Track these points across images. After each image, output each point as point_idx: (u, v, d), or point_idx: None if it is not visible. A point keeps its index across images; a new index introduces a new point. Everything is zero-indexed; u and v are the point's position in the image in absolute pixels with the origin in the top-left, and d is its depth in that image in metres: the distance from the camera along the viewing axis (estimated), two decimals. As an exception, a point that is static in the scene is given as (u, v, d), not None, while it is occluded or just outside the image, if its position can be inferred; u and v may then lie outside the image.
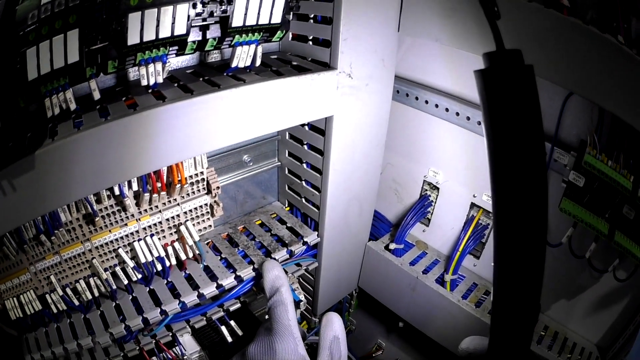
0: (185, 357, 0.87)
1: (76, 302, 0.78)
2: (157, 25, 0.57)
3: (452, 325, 0.98)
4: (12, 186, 0.52)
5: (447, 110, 0.96)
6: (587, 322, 0.92)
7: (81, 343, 0.76)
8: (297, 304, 1.01)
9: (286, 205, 1.08)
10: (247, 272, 0.87)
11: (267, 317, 0.77)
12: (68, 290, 0.78)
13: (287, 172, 1.03)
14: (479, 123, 0.91)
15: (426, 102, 0.99)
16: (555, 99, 0.80)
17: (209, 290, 0.84)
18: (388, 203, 1.18)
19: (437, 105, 0.97)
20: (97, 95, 0.59)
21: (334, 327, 0.74)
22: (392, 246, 1.07)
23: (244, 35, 0.68)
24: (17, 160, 0.51)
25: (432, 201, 1.08)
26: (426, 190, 1.08)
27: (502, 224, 0.45)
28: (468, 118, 0.92)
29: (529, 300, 0.48)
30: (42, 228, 0.70)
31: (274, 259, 0.90)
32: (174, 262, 0.85)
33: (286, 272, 0.94)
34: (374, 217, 1.11)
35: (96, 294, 0.79)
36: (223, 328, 0.90)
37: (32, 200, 0.55)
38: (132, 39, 0.56)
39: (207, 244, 0.95)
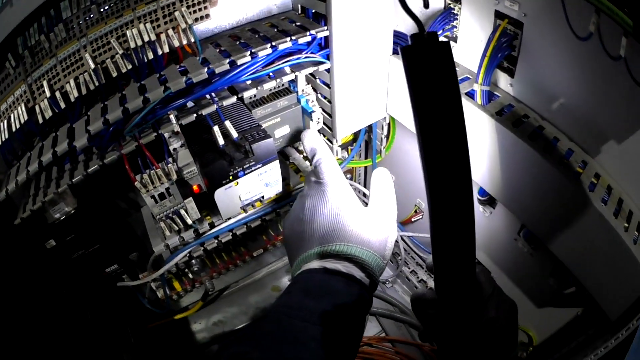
0: (169, 165, 0.87)
1: (62, 105, 0.79)
2: None
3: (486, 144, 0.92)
4: None
5: None
6: None
7: (57, 150, 0.78)
8: (309, 115, 1.00)
9: (300, 12, 1.06)
10: (242, 56, 0.86)
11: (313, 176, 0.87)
12: (57, 94, 0.79)
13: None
14: None
15: None
16: None
17: (198, 74, 0.83)
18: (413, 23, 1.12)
19: None
20: None
21: (381, 175, 0.86)
22: (415, 56, 1.02)
23: None
24: None
25: (456, 14, 1.01)
26: (449, 3, 1.02)
27: (432, 181, 0.60)
28: None
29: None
30: (45, 29, 0.75)
31: (275, 48, 0.89)
32: (166, 50, 0.84)
33: (294, 72, 0.95)
34: (399, 37, 1.06)
35: (84, 91, 0.79)
36: (215, 128, 0.87)
37: None
38: None
39: (211, 43, 0.94)
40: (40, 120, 0.80)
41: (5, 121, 0.81)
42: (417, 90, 0.57)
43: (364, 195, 1.35)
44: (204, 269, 1.24)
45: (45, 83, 0.78)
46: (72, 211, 0.89)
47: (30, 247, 0.92)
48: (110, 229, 1.00)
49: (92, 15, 0.78)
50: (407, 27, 1.12)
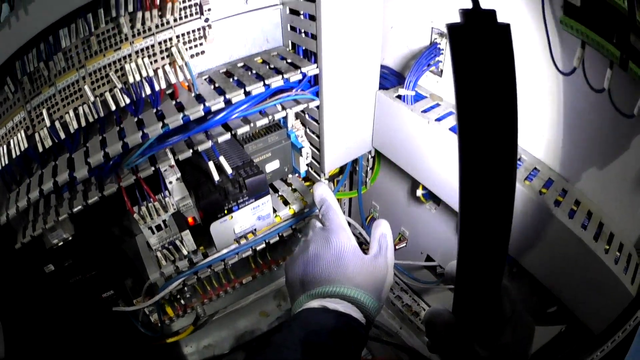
0: (166, 199, 0.92)
1: (62, 135, 0.84)
2: None
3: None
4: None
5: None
6: (623, 208, 0.85)
7: (58, 180, 0.83)
8: (299, 151, 1.06)
9: (290, 48, 1.12)
10: (236, 94, 0.92)
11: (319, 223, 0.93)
12: (57, 123, 0.83)
13: (288, 11, 1.06)
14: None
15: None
16: None
17: (195, 111, 0.88)
18: (401, 58, 1.18)
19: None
20: None
21: (382, 227, 0.89)
22: (402, 92, 1.08)
23: None
24: None
25: (441, 49, 1.08)
26: (435, 38, 1.08)
27: (467, 195, 0.53)
28: None
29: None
30: (44, 56, 0.77)
31: (268, 86, 0.95)
32: (163, 85, 0.89)
33: (284, 108, 1.01)
34: (386, 72, 1.13)
35: (83, 123, 0.84)
36: (211, 164, 0.94)
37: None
38: None
39: (205, 79, 1.00)
40: (40, 149, 0.83)
41: (5, 146, 0.84)
42: (465, 84, 0.47)
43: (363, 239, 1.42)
44: (196, 295, 1.29)
45: (44, 112, 0.82)
46: (70, 238, 0.94)
47: (29, 270, 0.97)
48: (107, 256, 1.05)
49: (90, 46, 0.81)
50: (395, 61, 1.19)
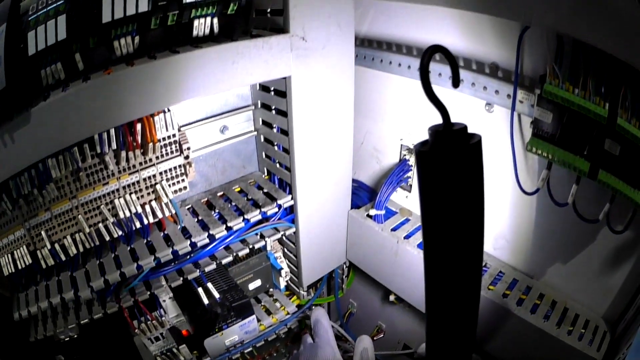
0: (163, 317, 0.99)
1: (63, 257, 0.90)
2: (124, 5, 0.72)
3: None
4: (12, 139, 0.70)
5: (409, 67, 1.04)
6: (589, 289, 0.92)
7: (64, 296, 0.89)
8: (278, 272, 1.14)
9: (265, 174, 1.20)
10: (219, 231, 0.99)
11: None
12: (56, 246, 0.89)
13: (262, 139, 1.14)
14: (450, 78, 0.97)
15: (399, 64, 1.07)
16: (512, 37, 0.82)
17: (183, 246, 0.96)
18: (372, 172, 1.28)
19: (409, 67, 1.05)
20: (81, 66, 0.75)
21: (364, 341, 1.03)
22: (372, 212, 1.16)
23: (199, 9, 0.81)
24: (18, 115, 0.70)
25: (410, 166, 1.16)
26: (405, 154, 1.17)
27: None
28: (440, 74, 0.97)
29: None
30: (36, 183, 0.82)
31: (247, 220, 1.03)
32: (152, 219, 0.97)
33: (263, 237, 1.08)
34: (357, 187, 1.21)
35: (81, 249, 0.91)
36: (200, 290, 1.02)
37: (29, 148, 0.73)
38: (106, 18, 0.72)
39: (188, 209, 1.07)
40: (44, 266, 0.89)
41: (9, 255, 0.88)
42: (431, 205, 0.49)
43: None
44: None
45: (43, 233, 0.88)
46: (75, 336, 0.99)
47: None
48: (111, 353, 1.11)
49: (80, 179, 0.88)
50: (365, 174, 1.27)
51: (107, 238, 0.93)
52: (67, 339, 0.98)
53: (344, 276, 1.37)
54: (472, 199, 0.47)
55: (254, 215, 1.04)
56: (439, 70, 0.97)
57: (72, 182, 0.88)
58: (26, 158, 0.74)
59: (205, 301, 1.02)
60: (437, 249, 0.51)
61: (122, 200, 0.93)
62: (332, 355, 1.01)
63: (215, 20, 0.86)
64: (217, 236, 1.00)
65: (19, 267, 0.88)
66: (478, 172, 0.46)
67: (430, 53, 0.41)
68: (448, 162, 0.44)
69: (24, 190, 0.82)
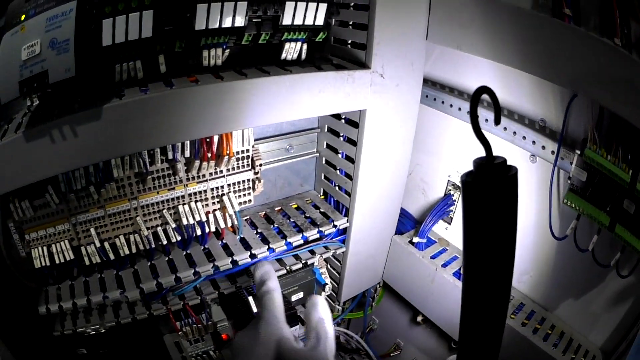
0: (209, 322, 1.02)
1: (112, 256, 0.91)
2: (221, 17, 0.76)
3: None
4: (74, 132, 0.66)
5: (459, 109, 1.14)
6: (592, 323, 1.03)
7: (108, 295, 0.89)
8: (322, 287, 1.19)
9: (321, 194, 1.27)
10: (279, 245, 1.05)
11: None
12: (106, 244, 0.90)
13: (324, 162, 1.21)
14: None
15: (450, 105, 1.16)
16: (562, 101, 0.93)
17: (243, 257, 1.01)
18: (416, 201, 1.35)
19: (459, 109, 1.14)
20: (163, 69, 0.77)
21: (317, 309, 0.80)
22: (415, 240, 1.23)
23: (292, 33, 0.87)
24: (85, 109, 0.66)
25: (454, 200, 1.24)
26: (450, 189, 1.24)
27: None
28: (487, 120, 1.06)
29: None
30: (94, 180, 0.83)
31: (305, 237, 1.09)
32: (213, 229, 1.01)
33: (313, 253, 1.13)
34: (401, 214, 1.27)
35: (134, 250, 0.93)
36: (250, 298, 1.02)
37: (94, 147, 0.70)
38: (199, 25, 0.74)
39: (246, 220, 1.13)
40: (87, 263, 0.88)
41: (44, 248, 0.84)
42: (473, 235, 0.54)
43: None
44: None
45: (93, 230, 0.88)
46: (103, 330, 0.96)
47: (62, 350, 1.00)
48: (138, 351, 1.11)
49: (145, 182, 0.89)
50: (410, 204, 1.35)
51: (165, 242, 0.96)
52: (93, 332, 0.95)
53: (375, 294, 1.43)
54: (507, 224, 0.52)
55: (312, 234, 1.10)
56: (486, 116, 1.06)
57: (135, 184, 0.90)
58: (87, 157, 0.70)
59: (255, 310, 1.03)
60: (475, 272, 0.57)
61: (186, 207, 0.96)
62: (276, 331, 0.76)
63: (305, 46, 0.92)
64: (276, 250, 1.05)
65: (57, 262, 0.86)
66: (513, 201, 0.51)
67: (480, 92, 0.47)
68: (488, 191, 0.50)
69: (76, 186, 0.81)
